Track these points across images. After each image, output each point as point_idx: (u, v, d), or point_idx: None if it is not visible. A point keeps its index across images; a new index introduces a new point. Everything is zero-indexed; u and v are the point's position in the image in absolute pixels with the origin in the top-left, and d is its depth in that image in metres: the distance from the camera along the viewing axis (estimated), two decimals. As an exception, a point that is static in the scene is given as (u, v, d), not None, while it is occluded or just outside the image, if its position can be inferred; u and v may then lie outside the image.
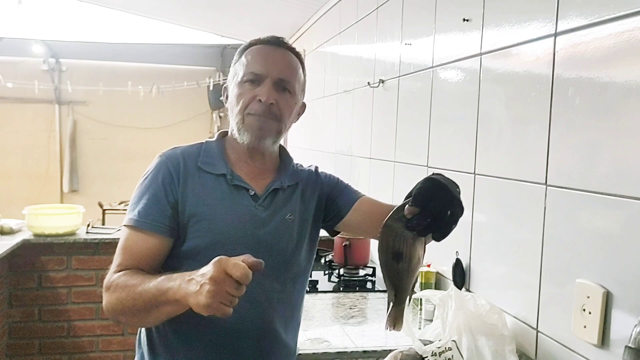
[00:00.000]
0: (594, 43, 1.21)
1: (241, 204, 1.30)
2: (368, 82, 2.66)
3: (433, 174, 1.02)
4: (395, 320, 1.03)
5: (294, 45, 1.39)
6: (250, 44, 1.35)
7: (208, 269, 0.99)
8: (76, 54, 6.94)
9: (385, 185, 2.49)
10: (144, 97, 6.06)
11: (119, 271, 1.19)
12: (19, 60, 6.80)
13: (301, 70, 1.36)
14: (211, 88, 6.29)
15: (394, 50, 2.42)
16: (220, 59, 7.16)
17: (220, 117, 7.51)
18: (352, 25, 3.07)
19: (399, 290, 1.00)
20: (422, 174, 2.08)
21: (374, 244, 2.49)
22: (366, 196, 1.44)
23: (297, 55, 1.36)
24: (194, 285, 1.00)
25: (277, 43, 1.34)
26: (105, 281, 1.19)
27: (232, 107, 1.32)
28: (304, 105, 1.42)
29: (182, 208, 1.26)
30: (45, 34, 6.42)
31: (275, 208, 1.33)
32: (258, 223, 1.30)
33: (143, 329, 1.37)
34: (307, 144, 4.06)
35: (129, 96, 6.26)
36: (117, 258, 1.23)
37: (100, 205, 5.91)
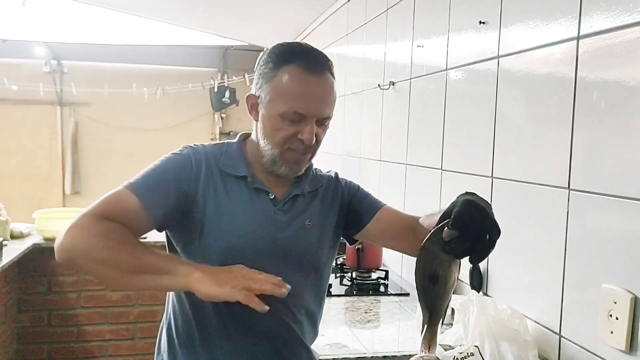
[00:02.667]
0: (619, 46, 1.20)
1: (260, 208, 1.28)
2: (378, 84, 2.65)
3: (467, 192, 1.01)
4: (429, 342, 1.03)
5: None
6: (288, 60, 1.23)
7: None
8: (78, 56, 6.92)
9: (397, 188, 2.48)
10: (145, 99, 6.06)
11: (106, 218, 1.13)
12: (20, 62, 6.79)
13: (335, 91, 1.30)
14: (216, 90, 6.27)
15: (405, 52, 2.41)
16: (222, 60, 7.14)
17: (222, 118, 7.49)
18: (361, 26, 3.06)
19: (434, 312, 1.00)
20: (436, 177, 2.08)
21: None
22: (387, 206, 1.43)
23: (333, 74, 1.28)
24: (219, 270, 1.13)
25: (321, 69, 1.24)
26: (85, 219, 1.12)
27: (267, 134, 1.26)
28: None
29: (203, 206, 1.24)
30: (47, 36, 6.41)
31: (294, 213, 1.32)
32: (277, 227, 1.29)
33: (164, 335, 1.35)
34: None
35: (130, 98, 6.25)
36: (101, 204, 1.16)
37: (104, 208, 5.90)
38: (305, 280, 1.34)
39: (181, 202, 1.23)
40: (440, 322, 1.02)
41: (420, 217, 1.30)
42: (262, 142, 1.28)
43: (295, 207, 1.33)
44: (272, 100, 1.23)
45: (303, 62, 1.22)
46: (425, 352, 1.02)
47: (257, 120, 1.30)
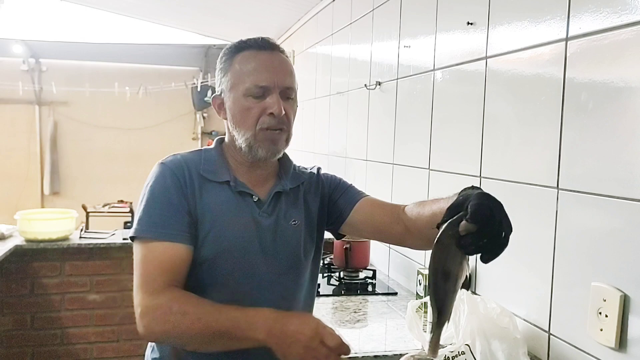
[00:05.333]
0: (608, 47, 1.22)
1: (245, 211, 1.28)
2: (364, 84, 2.66)
3: (473, 187, 0.98)
4: (435, 345, 0.97)
5: (282, 46, 1.35)
6: (240, 48, 1.28)
7: (303, 328, 1.02)
8: (57, 54, 6.83)
9: (384, 188, 2.49)
10: (125, 98, 6.00)
11: (158, 290, 1.14)
12: (-3, 61, 6.68)
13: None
14: (199, 89, 6.23)
15: (392, 52, 2.42)
16: (204, 59, 7.10)
17: (204, 117, 7.46)
18: (346, 26, 3.06)
19: (442, 311, 0.94)
20: (423, 177, 2.09)
21: (374, 247, 2.49)
22: (369, 197, 1.41)
23: (286, 54, 1.32)
24: (284, 338, 1.03)
25: (271, 47, 1.29)
26: (147, 302, 1.13)
27: (237, 122, 1.27)
28: None
29: (193, 214, 1.24)
30: (26, 34, 6.31)
31: (279, 214, 1.32)
32: (263, 230, 1.29)
33: (154, 344, 1.34)
34: (297, 145, 4.05)
35: (110, 97, 6.19)
36: (148, 274, 1.16)
37: (84, 208, 5.83)
38: (297, 281, 1.34)
39: (189, 215, 1.23)
40: (446, 323, 0.96)
41: (406, 205, 1.30)
42: (236, 134, 1.28)
43: (279, 207, 1.33)
44: (234, 86, 1.26)
45: (254, 45, 1.28)
46: (431, 357, 0.97)
47: (226, 118, 1.31)
